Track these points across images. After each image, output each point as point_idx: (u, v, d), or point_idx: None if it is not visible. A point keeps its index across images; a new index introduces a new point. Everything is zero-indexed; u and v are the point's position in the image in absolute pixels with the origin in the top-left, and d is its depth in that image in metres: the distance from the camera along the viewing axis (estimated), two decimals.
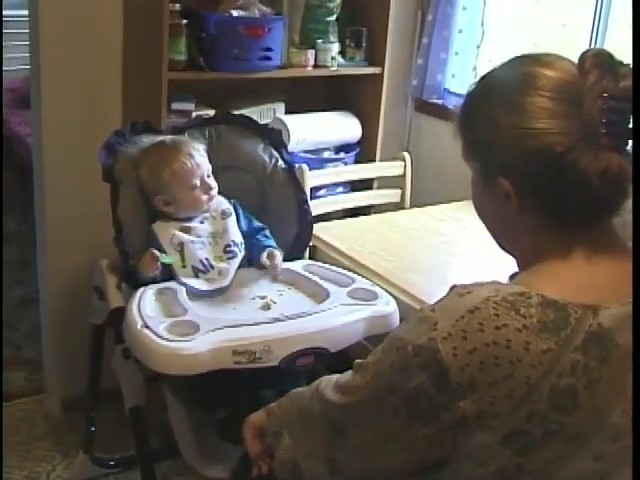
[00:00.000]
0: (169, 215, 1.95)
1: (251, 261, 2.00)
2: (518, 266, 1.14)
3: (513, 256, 1.16)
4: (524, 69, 1.07)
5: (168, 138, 2.02)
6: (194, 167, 1.93)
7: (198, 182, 1.93)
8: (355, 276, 2.01)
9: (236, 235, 1.98)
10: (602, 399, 0.97)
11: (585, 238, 1.06)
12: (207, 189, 1.95)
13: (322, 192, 2.80)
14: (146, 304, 1.75)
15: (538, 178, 1.04)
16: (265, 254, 1.95)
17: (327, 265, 2.08)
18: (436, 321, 1.00)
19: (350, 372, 1.15)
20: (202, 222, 1.97)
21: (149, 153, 1.97)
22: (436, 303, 1.05)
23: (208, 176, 1.96)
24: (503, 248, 1.18)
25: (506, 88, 1.08)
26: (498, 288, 1.01)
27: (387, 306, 1.87)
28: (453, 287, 1.06)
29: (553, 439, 0.96)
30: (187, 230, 1.94)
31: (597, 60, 1.03)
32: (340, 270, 2.04)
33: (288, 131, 2.63)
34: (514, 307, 0.97)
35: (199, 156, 1.95)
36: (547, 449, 0.96)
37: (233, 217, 2.01)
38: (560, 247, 1.06)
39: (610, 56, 1.05)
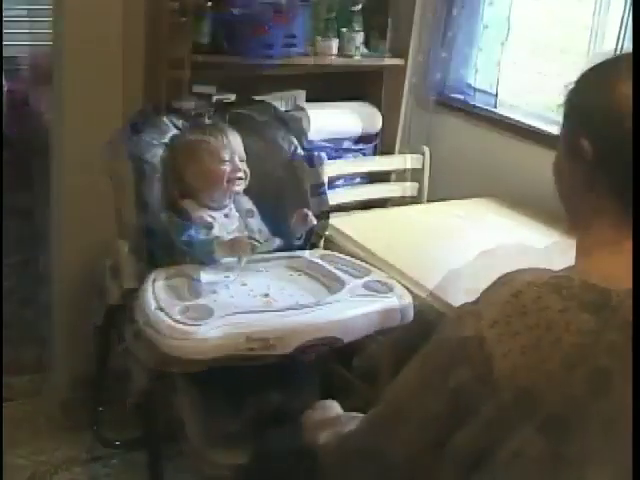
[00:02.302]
0: (196, 194, 1.99)
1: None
2: (578, 252, 1.13)
3: (578, 240, 1.15)
4: None
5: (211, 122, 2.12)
6: (225, 143, 2.00)
7: (227, 157, 1.98)
8: (371, 268, 1.99)
9: (257, 235, 2.00)
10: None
11: None
12: (235, 169, 1.99)
13: (339, 182, 2.79)
14: (160, 286, 1.75)
15: (611, 141, 1.05)
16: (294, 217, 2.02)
17: (343, 255, 2.07)
18: (480, 311, 1.02)
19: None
20: (226, 216, 2.00)
21: (192, 129, 2.08)
22: (476, 298, 1.06)
23: (241, 161, 2.01)
24: (573, 231, 1.17)
25: (614, 63, 1.10)
26: (539, 273, 1.03)
27: (402, 299, 1.86)
28: (496, 280, 1.07)
29: (589, 424, 0.96)
30: (214, 218, 1.97)
31: None
32: (356, 261, 2.03)
33: (308, 119, 2.62)
34: (555, 289, 0.99)
35: (234, 139, 2.02)
36: (584, 434, 0.96)
37: (257, 217, 2.05)
38: (619, 233, 1.06)
39: None
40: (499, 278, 1.06)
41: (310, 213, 2.02)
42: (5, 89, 4.27)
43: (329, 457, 1.29)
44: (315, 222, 2.03)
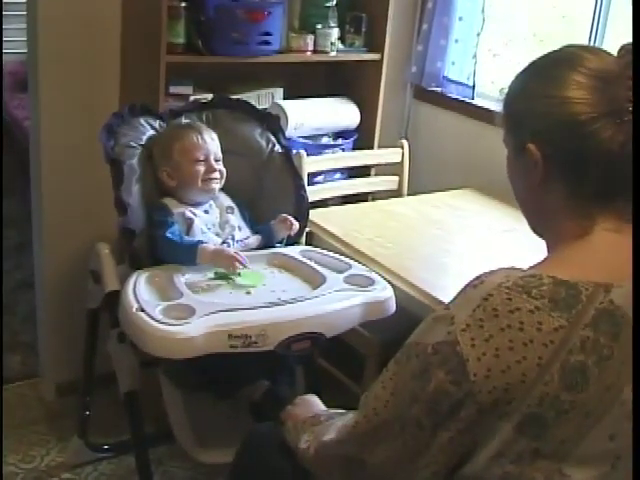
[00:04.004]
0: (173, 193, 1.99)
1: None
2: (548, 250, 1.15)
3: (543, 238, 1.18)
4: (571, 50, 1.11)
5: (188, 121, 2.12)
6: (200, 143, 1.98)
7: (202, 157, 1.97)
8: (352, 262, 2.00)
9: (236, 232, 1.99)
10: (613, 376, 0.97)
11: (605, 217, 1.07)
12: (210, 169, 1.98)
13: (319, 178, 2.79)
14: (141, 288, 1.75)
15: (561, 145, 1.07)
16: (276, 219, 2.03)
17: (324, 251, 2.07)
18: (452, 315, 1.02)
19: (352, 413, 1.18)
20: (206, 212, 1.99)
21: (168, 129, 2.08)
22: (449, 302, 1.07)
23: (216, 161, 2.00)
24: (535, 230, 1.20)
25: (548, 64, 1.12)
26: (509, 274, 1.03)
27: (383, 292, 1.86)
28: (467, 283, 1.07)
29: (566, 419, 0.97)
30: (194, 214, 1.96)
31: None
32: (337, 256, 2.04)
33: (286, 116, 2.61)
34: (525, 290, 0.99)
35: (209, 138, 2.01)
36: (561, 430, 0.97)
37: (237, 214, 2.04)
38: (580, 227, 1.08)
39: None
40: (470, 281, 1.06)
41: (293, 220, 2.02)
42: None
43: (308, 463, 1.30)
44: (298, 227, 2.03)
